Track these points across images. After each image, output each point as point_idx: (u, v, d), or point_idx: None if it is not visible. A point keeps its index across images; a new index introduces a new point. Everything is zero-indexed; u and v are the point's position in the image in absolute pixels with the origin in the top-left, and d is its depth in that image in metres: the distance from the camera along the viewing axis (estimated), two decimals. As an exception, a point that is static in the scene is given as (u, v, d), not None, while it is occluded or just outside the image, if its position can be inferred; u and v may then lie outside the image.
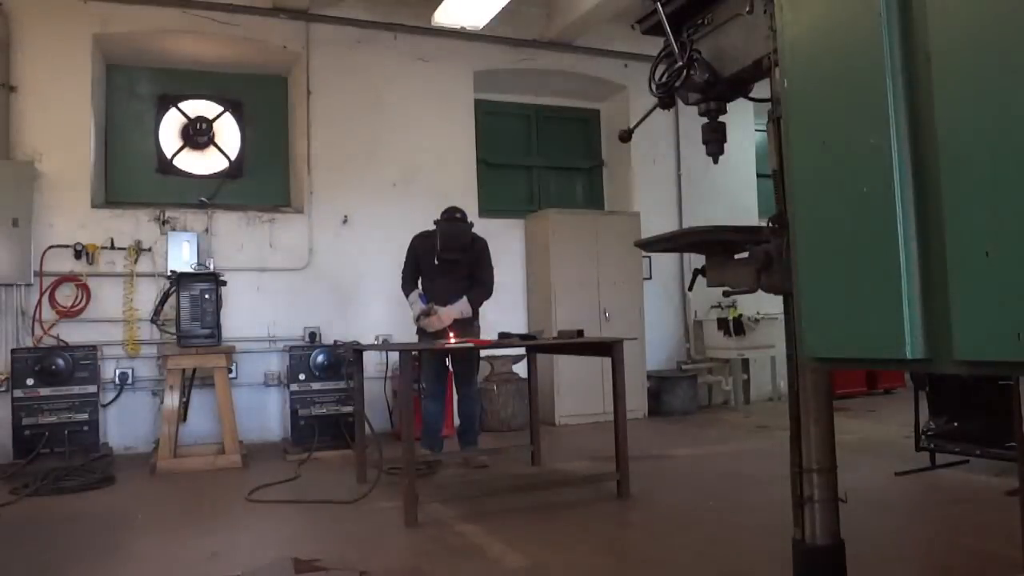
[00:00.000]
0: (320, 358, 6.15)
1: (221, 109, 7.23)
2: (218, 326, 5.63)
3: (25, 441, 5.43)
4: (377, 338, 6.93)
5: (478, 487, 4.71)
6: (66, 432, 5.53)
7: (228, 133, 7.25)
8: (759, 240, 2.23)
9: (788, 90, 1.73)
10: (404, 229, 5.85)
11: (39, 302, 6.06)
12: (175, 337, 5.61)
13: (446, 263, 5.32)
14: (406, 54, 7.39)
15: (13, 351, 5.66)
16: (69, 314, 6.13)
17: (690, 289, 6.58)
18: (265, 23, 6.92)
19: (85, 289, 6.19)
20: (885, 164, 1.44)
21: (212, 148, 7.17)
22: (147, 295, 6.31)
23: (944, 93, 1.33)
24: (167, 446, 5.37)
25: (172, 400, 5.46)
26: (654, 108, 2.62)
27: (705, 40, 2.42)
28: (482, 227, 6.03)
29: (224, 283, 5.81)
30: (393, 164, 7.28)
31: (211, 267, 5.97)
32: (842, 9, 1.56)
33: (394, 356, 6.54)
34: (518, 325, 7.44)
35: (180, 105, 7.12)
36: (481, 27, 6.96)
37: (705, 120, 2.55)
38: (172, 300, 5.62)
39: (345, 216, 7.08)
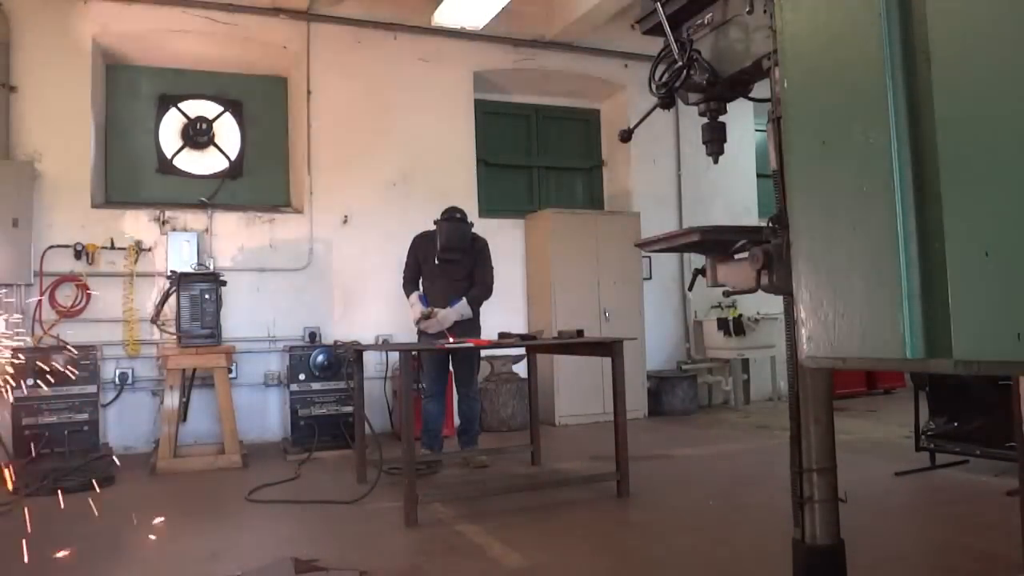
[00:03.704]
0: (320, 358, 6.15)
1: (221, 109, 7.23)
2: (218, 326, 5.63)
3: (25, 441, 5.43)
4: (377, 338, 6.93)
5: (478, 487, 4.72)
6: (66, 432, 5.54)
7: (228, 133, 7.25)
8: (759, 240, 2.23)
9: (788, 90, 1.73)
10: (404, 229, 5.86)
11: (39, 302, 6.06)
12: (175, 337, 5.61)
13: (446, 263, 5.32)
14: (406, 54, 7.38)
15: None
16: (69, 314, 6.14)
17: (690, 289, 6.60)
18: (265, 23, 6.92)
19: (85, 289, 6.19)
20: (885, 164, 1.44)
21: (212, 148, 7.17)
22: (147, 295, 6.32)
23: (944, 93, 1.33)
24: (167, 446, 5.37)
25: (172, 400, 5.46)
26: (654, 108, 2.62)
27: (705, 40, 2.42)
28: (482, 227, 6.03)
29: (224, 283, 5.81)
30: (393, 164, 7.27)
31: (211, 267, 5.97)
32: (842, 9, 1.56)
33: (394, 356, 6.54)
34: (518, 325, 7.44)
35: (180, 105, 7.12)
36: (481, 27, 6.96)
37: (705, 120, 2.55)
38: (172, 300, 5.62)
39: (345, 216, 7.08)
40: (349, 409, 5.98)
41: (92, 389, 5.72)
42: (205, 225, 6.66)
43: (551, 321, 7.18)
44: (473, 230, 5.46)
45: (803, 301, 1.72)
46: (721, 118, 2.53)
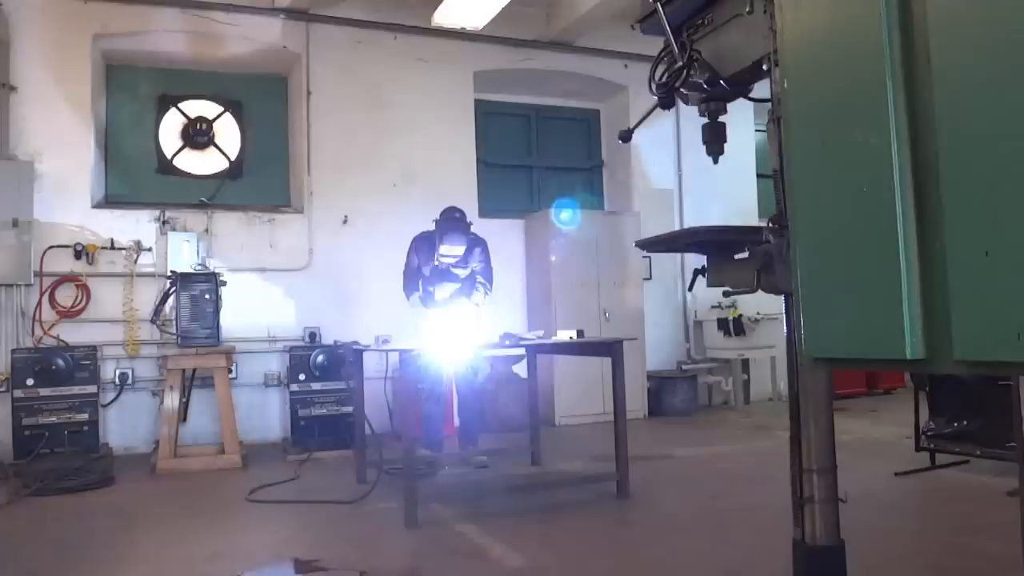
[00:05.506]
0: (320, 358, 6.15)
1: (221, 109, 7.23)
2: (218, 326, 5.62)
3: (25, 441, 5.43)
4: (377, 338, 6.92)
5: (478, 487, 4.71)
6: (66, 432, 5.53)
7: (228, 133, 7.24)
8: (759, 240, 2.23)
9: (788, 90, 1.73)
10: (404, 229, 5.84)
11: (39, 302, 6.06)
12: (175, 337, 5.60)
13: (446, 263, 5.32)
14: (406, 54, 7.38)
15: (13, 351, 5.67)
16: (69, 314, 6.13)
17: (690, 289, 6.58)
18: (265, 23, 6.92)
19: (85, 289, 6.19)
20: (885, 164, 1.44)
21: (212, 148, 7.17)
22: (147, 295, 6.31)
23: (944, 93, 1.33)
24: (167, 446, 5.37)
25: (172, 400, 5.46)
26: (654, 108, 2.62)
27: (705, 40, 2.42)
28: (482, 227, 6.02)
29: (224, 283, 5.81)
30: (393, 164, 7.27)
31: (211, 267, 5.97)
32: (842, 9, 1.56)
33: (394, 356, 6.53)
34: (518, 325, 7.43)
35: (180, 105, 7.12)
36: (481, 27, 6.96)
37: (705, 120, 2.55)
38: (172, 300, 5.62)
39: (345, 216, 7.08)
40: (349, 409, 5.98)
41: (92, 389, 5.72)
42: (205, 225, 6.65)
43: (551, 321, 7.18)
44: (472, 230, 5.45)
45: (803, 301, 1.72)
46: (721, 118, 2.53)
